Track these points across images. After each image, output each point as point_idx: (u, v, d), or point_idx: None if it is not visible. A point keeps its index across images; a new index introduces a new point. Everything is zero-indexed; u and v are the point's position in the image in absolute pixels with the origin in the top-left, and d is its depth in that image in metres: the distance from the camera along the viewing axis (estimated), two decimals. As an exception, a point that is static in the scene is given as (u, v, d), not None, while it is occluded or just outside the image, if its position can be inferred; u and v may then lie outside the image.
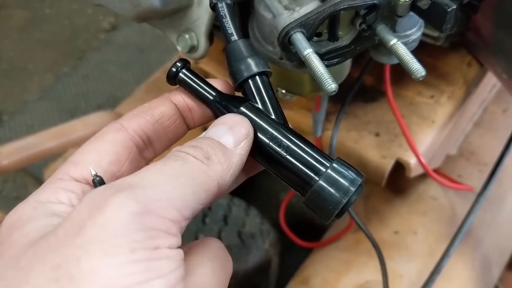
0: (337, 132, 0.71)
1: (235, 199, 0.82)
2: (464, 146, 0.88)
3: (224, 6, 0.35)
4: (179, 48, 0.49)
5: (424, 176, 0.78)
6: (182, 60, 0.36)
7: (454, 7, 0.38)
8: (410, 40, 0.43)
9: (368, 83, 0.78)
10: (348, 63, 0.48)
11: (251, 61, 0.33)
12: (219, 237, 0.80)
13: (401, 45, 0.39)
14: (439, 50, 0.77)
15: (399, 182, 0.78)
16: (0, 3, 2.04)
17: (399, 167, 0.72)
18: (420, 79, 0.38)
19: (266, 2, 0.41)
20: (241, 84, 0.34)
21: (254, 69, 0.33)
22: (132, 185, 0.26)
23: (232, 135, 0.31)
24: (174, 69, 0.35)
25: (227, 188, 0.30)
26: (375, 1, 0.38)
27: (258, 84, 0.33)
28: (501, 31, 0.81)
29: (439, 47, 0.74)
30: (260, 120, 0.33)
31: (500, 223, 0.79)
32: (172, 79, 0.36)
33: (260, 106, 0.33)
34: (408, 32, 0.43)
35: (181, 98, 0.36)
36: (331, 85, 0.34)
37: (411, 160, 0.69)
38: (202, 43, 0.48)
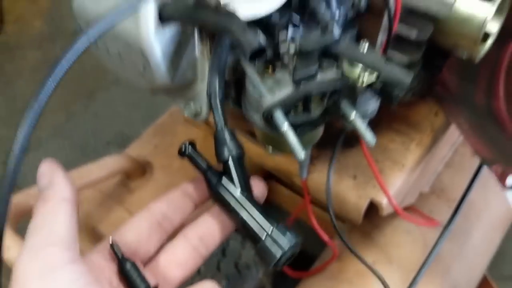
0: (331, 181, 0.81)
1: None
2: (436, 184, 0.99)
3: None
4: (185, 113, 0.60)
5: (398, 212, 0.88)
6: (190, 142, 0.51)
7: (400, 94, 0.49)
8: (369, 112, 0.54)
9: (348, 130, 0.89)
10: (320, 129, 0.59)
11: (230, 145, 0.46)
12: (218, 268, 0.90)
13: (358, 118, 0.50)
14: (411, 101, 0.89)
15: (376, 217, 0.88)
16: (15, 44, 2.18)
17: (375, 206, 0.82)
18: (371, 146, 0.49)
19: (253, 84, 0.52)
20: (220, 161, 0.48)
21: (232, 151, 0.46)
22: None
23: None
24: (183, 148, 0.49)
25: None
26: (337, 85, 0.50)
27: (234, 163, 0.47)
28: (466, 84, 0.93)
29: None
30: (229, 189, 0.47)
31: (467, 254, 0.89)
32: (181, 155, 0.51)
33: (234, 179, 0.47)
34: (367, 105, 0.54)
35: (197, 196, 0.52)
36: (301, 155, 0.45)
37: (383, 200, 0.79)
38: (204, 109, 0.59)
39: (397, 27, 0.64)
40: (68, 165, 1.07)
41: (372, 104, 0.54)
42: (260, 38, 0.47)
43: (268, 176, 0.99)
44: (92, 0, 0.52)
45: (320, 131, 0.59)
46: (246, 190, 0.47)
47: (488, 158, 0.77)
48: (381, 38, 0.68)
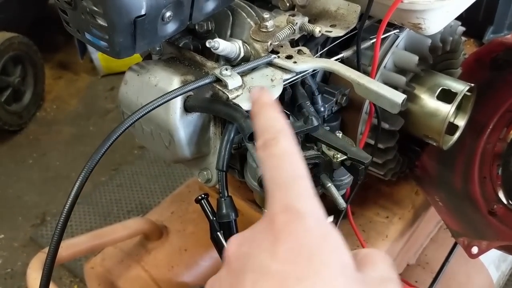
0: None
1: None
2: (421, 257, 1.09)
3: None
4: (199, 180, 0.75)
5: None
6: (206, 194, 0.63)
7: (363, 166, 0.63)
8: (343, 183, 0.68)
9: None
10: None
11: (229, 212, 0.59)
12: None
13: (332, 188, 0.64)
14: (395, 181, 1.02)
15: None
16: (52, 120, 2.41)
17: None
18: (342, 209, 0.62)
19: (253, 157, 0.67)
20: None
21: (231, 217, 0.59)
22: None
23: None
24: (199, 197, 0.62)
25: None
26: (317, 161, 0.64)
27: (232, 225, 0.60)
28: (443, 168, 1.07)
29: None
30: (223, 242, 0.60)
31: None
32: (196, 202, 0.62)
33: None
34: (341, 178, 0.68)
35: None
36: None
37: (368, 265, 0.91)
38: (214, 177, 0.74)
39: (372, 120, 0.80)
40: (92, 230, 1.22)
41: (346, 179, 0.69)
42: (257, 124, 0.63)
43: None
44: (133, 94, 0.70)
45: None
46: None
47: (457, 231, 0.89)
48: (361, 128, 0.84)
